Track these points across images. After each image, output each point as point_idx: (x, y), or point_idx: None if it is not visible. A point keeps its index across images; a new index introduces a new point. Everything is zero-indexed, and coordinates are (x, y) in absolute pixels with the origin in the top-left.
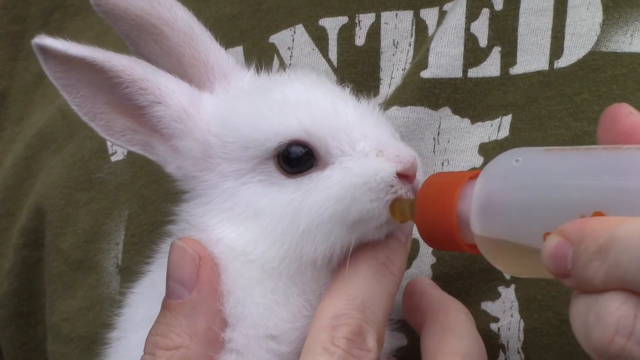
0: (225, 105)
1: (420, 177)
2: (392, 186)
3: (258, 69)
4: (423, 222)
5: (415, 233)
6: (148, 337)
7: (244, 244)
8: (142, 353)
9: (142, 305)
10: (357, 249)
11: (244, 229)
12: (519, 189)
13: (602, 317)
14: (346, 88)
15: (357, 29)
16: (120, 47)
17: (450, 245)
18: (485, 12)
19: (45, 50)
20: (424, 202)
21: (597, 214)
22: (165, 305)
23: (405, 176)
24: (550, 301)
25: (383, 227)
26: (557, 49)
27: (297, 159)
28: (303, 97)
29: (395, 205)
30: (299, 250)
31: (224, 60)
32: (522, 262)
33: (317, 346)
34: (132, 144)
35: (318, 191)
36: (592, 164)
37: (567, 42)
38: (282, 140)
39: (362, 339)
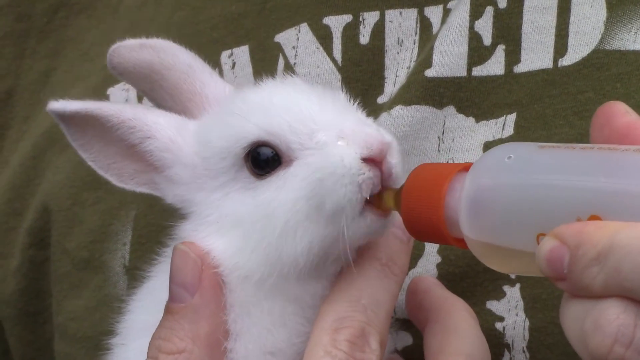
0: (202, 123)
1: (393, 161)
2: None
3: (262, 75)
4: (409, 215)
5: None
6: (151, 340)
7: (230, 256)
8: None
9: (142, 312)
10: (359, 250)
11: (228, 240)
12: (511, 187)
13: (601, 325)
14: (333, 91)
15: (361, 27)
16: None
17: (437, 239)
18: (489, 11)
19: (58, 115)
20: (410, 194)
21: (594, 217)
22: (168, 309)
23: (373, 161)
24: (555, 300)
25: (362, 217)
26: (561, 47)
27: (265, 160)
28: (264, 99)
29: (381, 194)
30: (279, 252)
31: (220, 89)
32: (514, 263)
33: (319, 349)
34: (140, 184)
35: (286, 190)
36: (589, 164)
37: (571, 40)
38: (244, 143)
39: (365, 341)
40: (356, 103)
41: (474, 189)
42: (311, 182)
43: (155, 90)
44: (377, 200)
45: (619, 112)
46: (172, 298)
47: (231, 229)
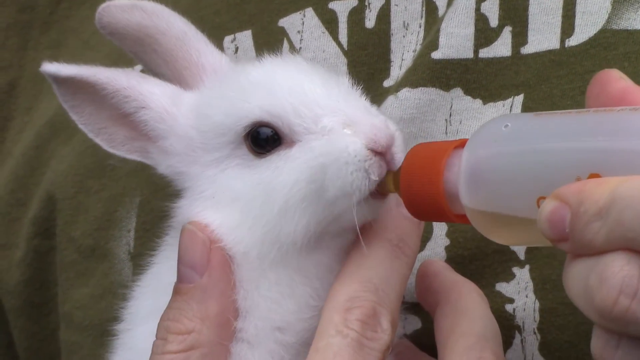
0: (201, 96)
1: (399, 153)
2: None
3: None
4: (408, 193)
5: None
6: (160, 322)
7: (228, 231)
8: (150, 345)
9: (148, 297)
10: (369, 231)
11: (225, 215)
12: (509, 154)
13: (605, 278)
14: (338, 76)
15: (367, 11)
16: None
17: (438, 216)
18: None
19: (51, 76)
20: (409, 172)
21: (594, 175)
22: (176, 290)
23: (378, 152)
24: None
25: (365, 204)
26: (568, 27)
27: (265, 139)
28: (267, 78)
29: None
30: (278, 231)
31: (216, 59)
32: (516, 232)
33: (330, 328)
34: (131, 152)
35: (287, 170)
36: (586, 125)
37: (578, 20)
38: (246, 123)
39: (376, 321)
40: (360, 88)
41: (473, 159)
42: (314, 167)
43: (148, 54)
44: (377, 184)
45: (613, 78)
46: (181, 278)
47: (228, 205)
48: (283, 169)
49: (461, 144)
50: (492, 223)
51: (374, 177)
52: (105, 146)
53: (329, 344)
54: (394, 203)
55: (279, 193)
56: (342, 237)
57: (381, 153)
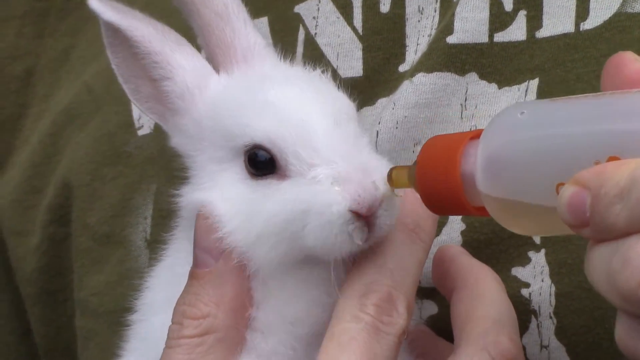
0: (224, 91)
1: (385, 217)
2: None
3: (282, 46)
4: (425, 187)
5: None
6: (176, 307)
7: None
8: (163, 335)
9: (161, 288)
10: None
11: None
12: (527, 141)
13: (629, 259)
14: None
15: None
16: None
17: (456, 209)
18: None
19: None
20: (425, 166)
21: (613, 158)
22: (192, 275)
23: (361, 215)
24: (581, 265)
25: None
26: (582, 11)
27: (262, 162)
28: (281, 103)
29: (392, 172)
30: (250, 252)
31: (250, 44)
32: (535, 221)
33: (345, 313)
34: (152, 111)
35: (273, 201)
36: (603, 109)
37: (593, 3)
38: (248, 141)
39: (392, 305)
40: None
41: (490, 148)
42: (295, 210)
43: (193, 21)
44: (389, 177)
45: (628, 60)
46: (197, 263)
47: (222, 202)
48: (270, 198)
49: (476, 134)
50: (511, 212)
51: (358, 242)
52: (130, 95)
53: (344, 328)
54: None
55: (259, 219)
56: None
57: (364, 216)
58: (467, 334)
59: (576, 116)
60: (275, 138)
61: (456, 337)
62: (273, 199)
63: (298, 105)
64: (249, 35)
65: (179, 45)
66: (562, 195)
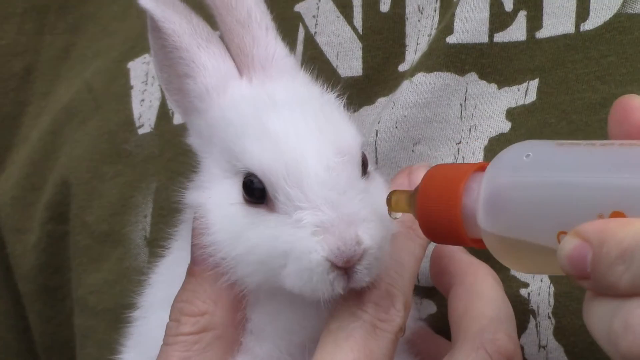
0: (240, 102)
1: (363, 272)
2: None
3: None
4: (425, 216)
5: None
6: (173, 303)
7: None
8: (163, 333)
9: (162, 286)
10: None
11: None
12: (531, 185)
13: (631, 325)
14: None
15: None
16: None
17: (454, 240)
18: None
19: None
20: (426, 195)
21: (617, 213)
22: (190, 272)
23: (338, 267)
24: None
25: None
26: (583, 11)
27: (256, 190)
28: (283, 134)
29: (392, 197)
30: (232, 268)
31: (269, 54)
32: (533, 260)
33: (343, 310)
34: (178, 105)
35: (257, 233)
36: (611, 160)
37: (593, 4)
38: (244, 168)
39: (390, 303)
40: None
41: (493, 187)
42: (277, 247)
43: (218, 22)
44: (388, 201)
45: (636, 107)
46: (195, 260)
47: (216, 210)
48: (255, 228)
49: (480, 167)
50: (509, 250)
51: (340, 290)
52: (162, 85)
53: (341, 326)
54: (407, 185)
55: (242, 245)
56: None
57: (341, 268)
58: (465, 331)
59: (582, 165)
60: (268, 171)
61: (453, 334)
62: (258, 229)
63: (296, 141)
64: (269, 45)
65: (208, 43)
66: (563, 246)
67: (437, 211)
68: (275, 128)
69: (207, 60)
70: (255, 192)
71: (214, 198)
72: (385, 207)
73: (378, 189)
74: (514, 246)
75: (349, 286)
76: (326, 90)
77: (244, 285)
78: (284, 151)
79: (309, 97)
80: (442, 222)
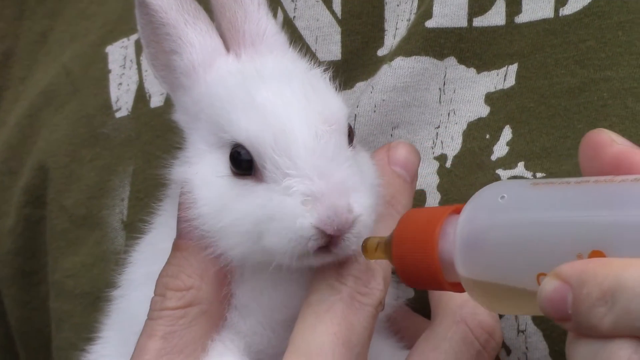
0: (227, 77)
1: (352, 240)
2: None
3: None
4: (401, 264)
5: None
6: (158, 278)
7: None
8: (145, 309)
9: (144, 263)
10: None
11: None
12: (508, 226)
13: None
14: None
15: None
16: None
17: (432, 285)
18: None
19: None
20: (401, 242)
21: (596, 253)
22: (176, 246)
23: (326, 234)
24: None
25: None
26: None
27: (243, 162)
28: (271, 105)
29: (367, 243)
30: (215, 240)
31: (260, 30)
32: (513, 303)
33: (323, 284)
34: (164, 81)
35: (245, 203)
36: (586, 198)
37: None
38: (231, 139)
39: (370, 276)
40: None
41: (469, 230)
42: (261, 216)
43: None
44: (364, 248)
45: (605, 142)
46: (180, 234)
47: (202, 185)
48: (242, 199)
49: (455, 209)
50: (488, 293)
51: (311, 251)
52: (148, 60)
53: (321, 299)
54: (386, 160)
55: (228, 216)
56: None
57: (329, 235)
58: (444, 307)
59: (558, 204)
60: (255, 141)
61: (433, 310)
62: (245, 200)
63: (283, 111)
64: (261, 21)
65: (195, 19)
66: (543, 288)
67: (413, 259)
68: (262, 99)
69: (193, 36)
70: (243, 163)
71: (201, 172)
72: (372, 176)
73: (364, 158)
74: (493, 290)
75: (336, 253)
76: (312, 66)
77: (229, 258)
78: (272, 121)
79: (296, 71)
80: (420, 269)
